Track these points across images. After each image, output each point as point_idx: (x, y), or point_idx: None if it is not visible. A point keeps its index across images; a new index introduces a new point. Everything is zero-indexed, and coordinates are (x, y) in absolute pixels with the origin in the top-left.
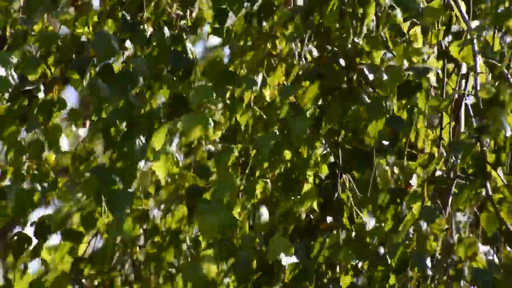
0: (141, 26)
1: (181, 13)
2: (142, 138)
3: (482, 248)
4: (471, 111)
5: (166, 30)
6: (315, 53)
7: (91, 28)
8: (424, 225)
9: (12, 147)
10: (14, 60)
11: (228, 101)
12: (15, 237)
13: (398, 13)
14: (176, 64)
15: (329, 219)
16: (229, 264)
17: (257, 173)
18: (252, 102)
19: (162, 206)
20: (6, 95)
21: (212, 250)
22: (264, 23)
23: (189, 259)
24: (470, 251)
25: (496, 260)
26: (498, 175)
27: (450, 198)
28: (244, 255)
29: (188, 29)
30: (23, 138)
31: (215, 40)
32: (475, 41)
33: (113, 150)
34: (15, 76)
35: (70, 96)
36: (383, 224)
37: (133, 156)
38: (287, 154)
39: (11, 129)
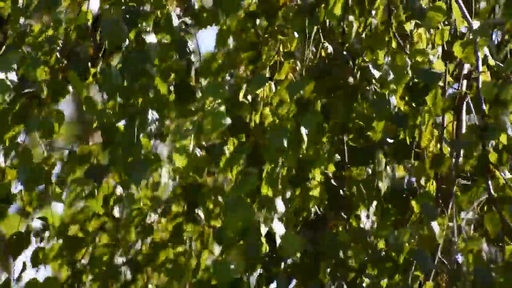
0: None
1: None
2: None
3: (485, 247)
4: (473, 111)
5: (174, 17)
6: (330, 49)
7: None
8: (435, 226)
9: (11, 149)
10: (14, 65)
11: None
12: (14, 237)
13: (402, 13)
14: (183, 53)
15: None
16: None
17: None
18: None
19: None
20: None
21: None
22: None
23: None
24: (473, 247)
25: (499, 260)
26: (501, 174)
27: (453, 197)
28: (252, 241)
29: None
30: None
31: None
32: (477, 40)
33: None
34: (15, 78)
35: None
36: (388, 223)
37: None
38: (295, 152)
39: (10, 131)
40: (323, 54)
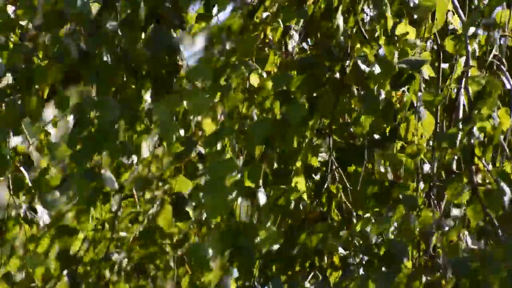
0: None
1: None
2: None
3: (466, 238)
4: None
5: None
6: (309, 42)
7: None
8: (412, 217)
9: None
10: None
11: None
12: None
13: (388, 9)
14: (160, 45)
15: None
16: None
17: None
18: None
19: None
20: None
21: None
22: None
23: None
24: (451, 238)
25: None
26: (485, 166)
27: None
28: (245, 243)
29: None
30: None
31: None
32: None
33: None
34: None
35: None
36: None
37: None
38: (278, 144)
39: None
40: (310, 47)
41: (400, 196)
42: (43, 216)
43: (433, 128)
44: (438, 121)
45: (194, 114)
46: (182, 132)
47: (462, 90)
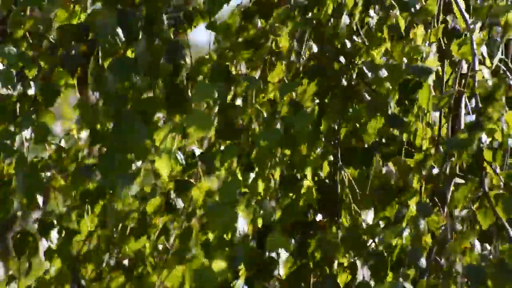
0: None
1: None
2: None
3: (478, 245)
4: (469, 109)
5: (164, 19)
6: (315, 50)
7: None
8: (422, 223)
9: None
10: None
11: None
12: (18, 235)
13: (398, 12)
14: (172, 56)
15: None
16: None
17: (257, 171)
18: (253, 100)
19: None
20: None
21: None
22: (259, 22)
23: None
24: (464, 244)
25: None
26: (494, 171)
27: (449, 196)
28: (239, 251)
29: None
30: None
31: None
32: (473, 38)
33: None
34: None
35: None
36: (380, 222)
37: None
38: (287, 152)
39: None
40: (310, 54)
41: (408, 202)
42: None
43: (436, 131)
44: (441, 124)
45: (196, 135)
46: None
47: (465, 93)
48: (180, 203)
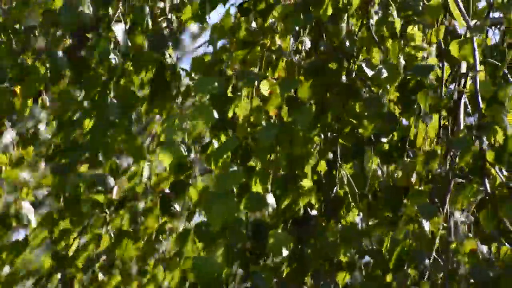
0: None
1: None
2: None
3: (480, 246)
4: (469, 110)
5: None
6: (323, 48)
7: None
8: (426, 224)
9: None
10: None
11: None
12: None
13: (394, 12)
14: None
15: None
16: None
17: (257, 166)
18: (253, 95)
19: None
20: None
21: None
22: (254, 23)
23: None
24: (468, 248)
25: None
26: (497, 173)
27: (448, 196)
28: (233, 239)
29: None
30: None
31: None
32: (474, 39)
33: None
34: None
35: None
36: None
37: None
38: (286, 149)
39: None
40: (310, 52)
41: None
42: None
43: (436, 131)
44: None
45: (199, 128)
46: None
47: (465, 94)
48: (176, 206)
